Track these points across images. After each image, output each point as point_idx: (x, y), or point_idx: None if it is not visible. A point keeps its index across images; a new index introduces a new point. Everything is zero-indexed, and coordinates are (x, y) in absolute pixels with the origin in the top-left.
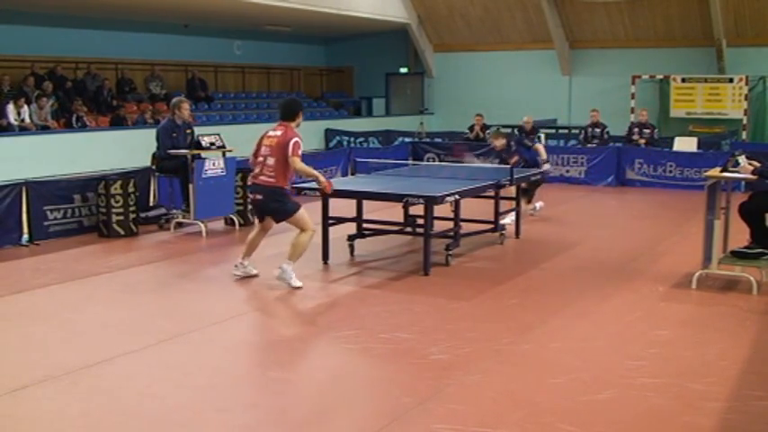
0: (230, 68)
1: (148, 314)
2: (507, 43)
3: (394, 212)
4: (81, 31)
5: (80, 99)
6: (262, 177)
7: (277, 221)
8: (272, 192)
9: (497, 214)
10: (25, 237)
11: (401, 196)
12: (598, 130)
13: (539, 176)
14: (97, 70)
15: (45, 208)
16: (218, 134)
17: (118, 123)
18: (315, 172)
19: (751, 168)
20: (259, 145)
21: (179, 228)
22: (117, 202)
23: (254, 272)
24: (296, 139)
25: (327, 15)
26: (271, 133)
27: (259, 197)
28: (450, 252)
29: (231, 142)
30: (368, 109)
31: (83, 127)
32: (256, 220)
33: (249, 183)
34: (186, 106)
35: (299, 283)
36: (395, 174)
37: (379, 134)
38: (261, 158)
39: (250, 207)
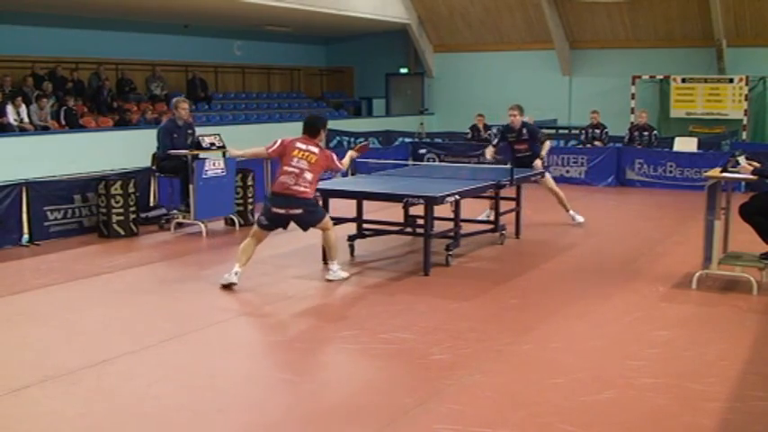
0: (230, 69)
1: (149, 314)
2: (507, 43)
3: (394, 212)
4: (81, 31)
5: (80, 99)
6: (297, 188)
7: (307, 229)
8: (310, 204)
9: (497, 214)
10: (25, 237)
11: (401, 196)
12: (598, 131)
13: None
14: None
15: (45, 208)
16: (218, 134)
17: (123, 125)
18: (348, 159)
19: (751, 168)
20: (286, 153)
21: (179, 228)
22: (117, 202)
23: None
24: (330, 152)
25: (327, 15)
26: (302, 146)
27: (298, 211)
28: (451, 252)
29: (231, 142)
30: (368, 109)
31: (79, 127)
32: (257, 228)
33: (278, 192)
34: (184, 106)
35: (346, 274)
36: (395, 174)
37: (379, 134)
38: (294, 170)
39: (264, 215)
